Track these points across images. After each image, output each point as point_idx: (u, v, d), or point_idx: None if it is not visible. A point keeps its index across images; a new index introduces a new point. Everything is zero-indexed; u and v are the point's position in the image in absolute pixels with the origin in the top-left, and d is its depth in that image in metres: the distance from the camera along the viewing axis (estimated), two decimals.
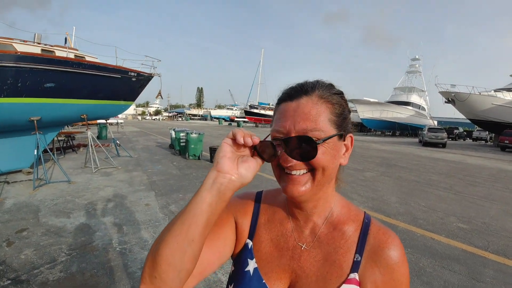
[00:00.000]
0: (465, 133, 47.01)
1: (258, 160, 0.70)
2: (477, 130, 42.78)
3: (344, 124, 0.77)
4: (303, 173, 0.73)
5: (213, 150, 11.52)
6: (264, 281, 0.81)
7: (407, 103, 48.13)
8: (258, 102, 71.80)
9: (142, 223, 5.06)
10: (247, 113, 56.91)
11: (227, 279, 0.87)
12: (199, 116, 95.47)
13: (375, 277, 0.76)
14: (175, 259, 0.64)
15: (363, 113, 43.28)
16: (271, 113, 55.84)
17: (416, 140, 34.39)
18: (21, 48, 9.87)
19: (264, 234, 0.87)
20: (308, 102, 0.74)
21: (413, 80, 56.49)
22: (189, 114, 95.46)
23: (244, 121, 57.78)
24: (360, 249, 0.79)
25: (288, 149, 0.71)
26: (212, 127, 44.53)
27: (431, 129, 27.78)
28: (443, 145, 26.45)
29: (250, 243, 0.86)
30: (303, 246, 0.82)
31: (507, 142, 25.15)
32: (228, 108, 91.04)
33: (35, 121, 8.32)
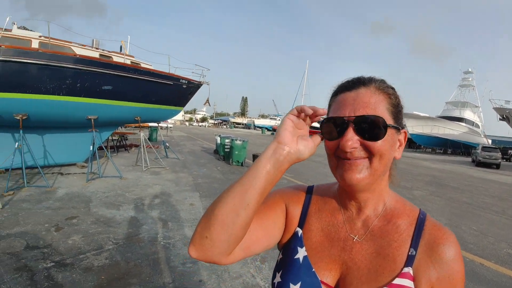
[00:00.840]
0: None
1: (316, 140, 0.73)
2: None
3: (399, 117, 0.79)
4: (361, 160, 0.73)
5: (255, 157, 11.62)
6: (313, 269, 0.80)
7: (460, 119, 44.97)
8: None
9: (186, 221, 5.21)
10: None
11: (274, 267, 0.87)
12: (242, 124, 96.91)
13: (430, 272, 0.74)
14: (228, 220, 0.67)
15: (412, 128, 40.88)
16: (314, 124, 55.19)
17: (469, 159, 32.20)
18: (79, 51, 10.59)
19: (315, 223, 0.87)
20: (367, 91, 0.76)
21: (466, 94, 52.82)
22: (233, 122, 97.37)
23: None
24: (415, 243, 0.77)
25: (355, 127, 0.72)
26: (255, 135, 44.93)
27: (485, 148, 25.95)
28: (497, 166, 24.59)
29: (300, 232, 0.86)
30: (355, 238, 0.81)
31: None
32: (271, 118, 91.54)
33: (92, 120, 8.92)
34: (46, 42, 9.88)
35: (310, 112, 0.70)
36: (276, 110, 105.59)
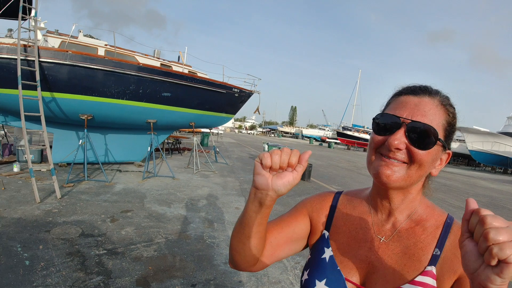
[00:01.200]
0: None
1: (294, 174, 0.72)
2: None
3: (451, 137, 0.80)
4: (400, 163, 0.75)
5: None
6: (339, 268, 0.84)
7: None
8: (352, 124, 68.21)
9: (231, 223, 5.35)
10: (340, 134, 54.92)
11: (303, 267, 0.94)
12: (290, 134, 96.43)
13: (454, 266, 0.75)
14: (239, 248, 0.86)
15: (472, 144, 37.83)
16: (365, 136, 53.07)
17: None
18: (142, 60, 11.36)
19: (342, 226, 0.91)
20: (430, 102, 0.77)
21: None
22: (281, 131, 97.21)
23: (335, 143, 56.19)
24: (440, 244, 0.78)
25: (407, 130, 0.74)
26: (302, 145, 44.54)
27: None
28: None
29: (327, 234, 0.92)
30: (382, 239, 0.84)
31: None
32: (320, 128, 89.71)
33: (152, 123, 9.56)
34: (112, 51, 10.72)
35: (268, 164, 0.71)
36: (325, 120, 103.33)
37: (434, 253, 0.78)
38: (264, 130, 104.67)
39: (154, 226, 4.86)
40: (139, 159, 10.82)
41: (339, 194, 0.99)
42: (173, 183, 8.26)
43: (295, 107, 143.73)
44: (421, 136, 0.73)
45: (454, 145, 51.54)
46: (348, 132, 54.52)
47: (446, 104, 0.79)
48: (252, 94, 12.88)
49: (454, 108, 0.80)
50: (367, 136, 54.35)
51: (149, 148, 9.32)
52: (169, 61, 13.09)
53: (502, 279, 0.47)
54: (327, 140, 60.63)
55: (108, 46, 10.99)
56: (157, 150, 11.79)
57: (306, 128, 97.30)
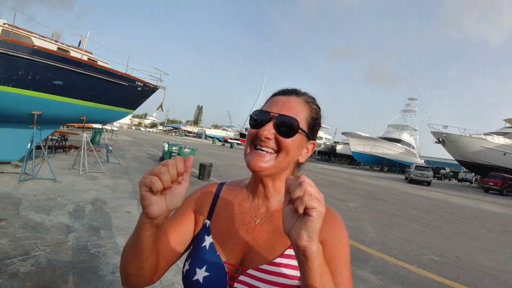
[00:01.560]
0: (451, 173, 48.74)
1: (184, 184, 0.71)
2: (464, 171, 43.80)
3: (314, 129, 0.94)
4: (270, 152, 0.86)
5: (202, 167, 11.53)
6: (218, 253, 0.90)
7: (398, 140, 49.24)
8: None
9: (120, 229, 5.10)
10: (242, 135, 57.13)
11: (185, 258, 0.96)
12: (194, 133, 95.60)
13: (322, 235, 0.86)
14: (136, 272, 0.82)
15: (354, 146, 44.26)
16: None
17: (403, 176, 34.82)
18: (38, 42, 10.01)
19: (223, 214, 0.98)
20: (297, 100, 0.91)
21: (407, 119, 57.71)
22: (184, 130, 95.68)
23: (237, 143, 57.89)
24: None
25: (275, 122, 0.86)
26: (205, 145, 44.65)
27: (418, 167, 28.37)
28: (428, 184, 27.10)
29: (208, 222, 0.97)
30: (257, 221, 0.94)
31: (492, 184, 25.87)
32: (223, 129, 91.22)
33: (36, 116, 8.37)
34: (9, 30, 9.30)
35: (160, 187, 0.67)
36: (230, 121, 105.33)
37: None
38: (166, 129, 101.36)
39: (31, 237, 4.36)
40: (16, 158, 9.33)
41: (222, 185, 1.07)
42: (54, 186, 7.41)
43: (201, 106, 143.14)
44: (286, 127, 0.85)
45: (339, 147, 58.33)
46: None
47: (310, 102, 0.93)
48: (157, 89, 12.41)
49: (318, 107, 0.95)
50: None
51: (29, 145, 8.05)
52: (68, 46, 11.78)
53: (307, 232, 0.58)
54: (230, 140, 61.87)
55: (6, 26, 9.53)
56: (38, 147, 10.41)
57: (210, 128, 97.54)
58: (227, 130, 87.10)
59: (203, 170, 11.38)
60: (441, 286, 4.51)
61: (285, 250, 0.88)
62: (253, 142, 0.89)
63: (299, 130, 0.87)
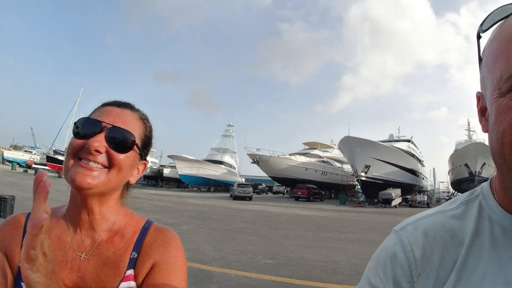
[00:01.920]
0: (267, 188, 57.06)
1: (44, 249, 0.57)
2: (277, 185, 52.93)
3: (147, 148, 0.89)
4: (100, 167, 0.75)
5: (2, 201, 9.20)
6: None
7: (220, 162, 53.33)
8: (65, 148, 58.58)
9: None
10: (50, 159, 46.79)
11: None
12: None
13: (147, 265, 0.80)
14: None
15: (181, 169, 44.95)
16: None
17: (228, 194, 37.57)
18: None
19: None
20: (131, 114, 0.85)
21: (227, 142, 63.18)
22: None
23: (45, 169, 46.79)
24: (137, 247, 0.83)
25: (108, 134, 0.75)
26: (1, 172, 36.28)
27: (240, 185, 32.63)
28: (250, 198, 30.98)
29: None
30: (83, 256, 0.80)
31: (300, 193, 33.40)
32: (26, 151, 73.94)
33: None
34: None
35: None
36: (34, 141, 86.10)
37: (131, 256, 0.81)
38: None
39: None
40: None
41: (28, 217, 0.83)
42: None
43: None
44: (120, 140, 0.77)
45: (166, 171, 57.99)
46: (61, 157, 46.76)
47: (145, 119, 0.88)
48: None
49: (151, 125, 0.90)
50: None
51: None
52: None
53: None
54: (34, 166, 51.17)
55: None
56: None
57: (9, 149, 76.37)
58: (30, 152, 70.94)
59: (3, 205, 9.19)
60: (282, 285, 4.89)
61: (119, 285, 0.78)
62: (76, 154, 0.76)
63: (134, 147, 0.80)
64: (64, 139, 62.89)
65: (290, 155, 43.63)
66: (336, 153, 51.10)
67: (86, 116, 0.81)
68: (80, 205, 0.79)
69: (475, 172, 36.47)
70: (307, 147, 52.43)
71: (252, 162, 41.41)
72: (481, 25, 0.62)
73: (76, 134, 0.77)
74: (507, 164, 0.52)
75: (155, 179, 64.65)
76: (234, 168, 57.61)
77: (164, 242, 0.84)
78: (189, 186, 51.83)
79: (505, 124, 0.51)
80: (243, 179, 60.18)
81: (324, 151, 51.82)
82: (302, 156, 43.30)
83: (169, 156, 47.77)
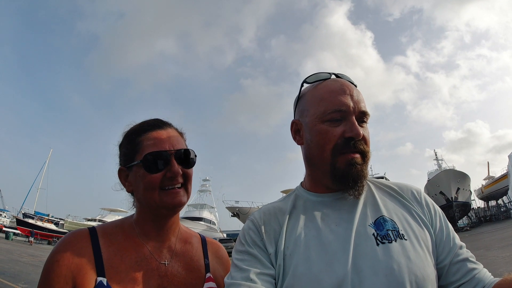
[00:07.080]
0: None
1: None
2: None
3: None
4: (180, 187, 0.91)
5: None
6: None
7: (199, 219, 51.29)
8: (35, 211, 53.81)
9: None
10: (20, 222, 43.38)
11: None
12: None
13: (218, 267, 1.08)
14: None
15: None
16: (51, 226, 45.23)
17: None
18: None
19: (120, 264, 0.86)
20: (174, 131, 0.98)
21: (204, 198, 61.56)
22: None
23: (15, 233, 43.47)
24: (206, 254, 1.06)
25: (176, 158, 0.90)
26: None
27: (221, 241, 31.14)
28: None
29: (105, 280, 0.82)
30: (166, 263, 0.92)
31: None
32: None
33: None
34: None
35: None
36: (2, 203, 78.65)
37: (205, 262, 1.02)
38: None
39: None
40: None
41: (94, 232, 0.90)
42: None
43: None
44: (187, 158, 0.91)
45: None
46: (30, 221, 43.74)
47: (180, 131, 1.02)
48: None
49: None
50: (53, 226, 46.72)
51: None
52: None
53: None
54: (5, 229, 46.95)
55: None
56: None
57: None
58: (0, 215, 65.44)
59: None
60: None
61: (203, 285, 0.95)
62: (159, 185, 0.88)
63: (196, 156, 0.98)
64: (33, 202, 59.80)
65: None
66: None
67: (152, 151, 0.89)
68: (160, 220, 0.94)
69: (452, 198, 36.67)
70: (285, 195, 52.84)
71: (232, 216, 39.83)
72: (306, 79, 0.95)
73: (150, 169, 0.87)
74: (325, 162, 0.87)
75: None
76: (214, 224, 55.50)
77: (221, 251, 1.12)
78: None
79: (326, 140, 0.85)
80: (225, 235, 58.12)
81: None
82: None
83: None
